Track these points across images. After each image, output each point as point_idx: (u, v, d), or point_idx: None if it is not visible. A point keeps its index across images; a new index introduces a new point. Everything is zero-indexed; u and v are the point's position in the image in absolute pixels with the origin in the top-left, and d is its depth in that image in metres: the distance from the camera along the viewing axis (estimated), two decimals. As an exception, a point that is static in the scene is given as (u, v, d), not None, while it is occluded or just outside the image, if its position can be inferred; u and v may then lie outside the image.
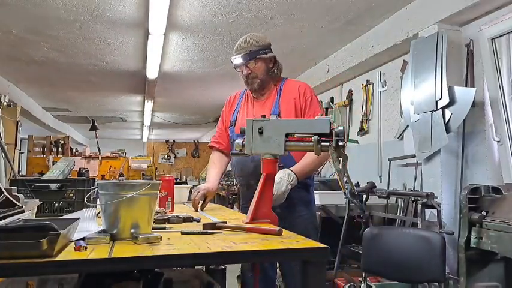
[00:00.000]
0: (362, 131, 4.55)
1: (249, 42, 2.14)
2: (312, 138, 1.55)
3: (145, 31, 4.06)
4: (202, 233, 1.33)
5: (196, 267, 1.93)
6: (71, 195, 1.84)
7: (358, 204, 3.21)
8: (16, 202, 1.34)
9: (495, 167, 2.96)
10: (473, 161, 3.07)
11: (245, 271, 2.19)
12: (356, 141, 4.67)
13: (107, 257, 0.99)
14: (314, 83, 5.17)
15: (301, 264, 1.12)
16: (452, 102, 2.92)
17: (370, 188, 3.22)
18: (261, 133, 1.61)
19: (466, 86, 3.07)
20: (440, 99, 2.97)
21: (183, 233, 1.33)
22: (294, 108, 2.09)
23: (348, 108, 4.90)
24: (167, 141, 13.53)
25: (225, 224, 1.46)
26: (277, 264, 2.20)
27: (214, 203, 5.93)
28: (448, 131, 2.94)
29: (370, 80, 4.47)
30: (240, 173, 2.21)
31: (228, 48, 4.68)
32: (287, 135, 1.61)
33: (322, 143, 1.54)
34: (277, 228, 1.35)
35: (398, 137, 3.91)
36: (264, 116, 1.68)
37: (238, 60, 2.13)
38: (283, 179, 1.89)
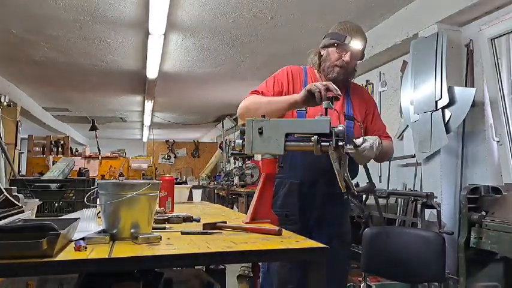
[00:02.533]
0: (362, 131, 4.55)
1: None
2: (312, 138, 1.55)
3: (145, 31, 4.06)
4: (202, 233, 1.33)
5: (196, 267, 1.93)
6: (71, 195, 1.85)
7: (358, 204, 3.21)
8: (16, 202, 1.34)
9: (495, 167, 2.96)
10: (473, 161, 3.07)
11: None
12: (356, 141, 4.66)
13: (107, 257, 0.99)
14: (314, 83, 5.17)
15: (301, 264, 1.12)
16: (452, 102, 2.92)
17: (370, 188, 3.22)
18: (260, 133, 1.61)
19: (465, 86, 3.07)
20: (440, 99, 2.97)
21: (183, 233, 1.33)
22: (364, 113, 1.99)
23: (347, 108, 4.89)
24: (167, 141, 13.50)
25: (225, 224, 1.45)
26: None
27: (214, 203, 5.94)
28: (447, 131, 2.94)
29: (370, 80, 4.47)
30: (303, 166, 1.85)
31: (228, 48, 4.68)
32: (287, 135, 1.61)
33: (322, 143, 1.54)
34: (277, 228, 1.35)
35: (398, 137, 3.91)
36: (325, 113, 1.57)
37: (359, 45, 1.89)
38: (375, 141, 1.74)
